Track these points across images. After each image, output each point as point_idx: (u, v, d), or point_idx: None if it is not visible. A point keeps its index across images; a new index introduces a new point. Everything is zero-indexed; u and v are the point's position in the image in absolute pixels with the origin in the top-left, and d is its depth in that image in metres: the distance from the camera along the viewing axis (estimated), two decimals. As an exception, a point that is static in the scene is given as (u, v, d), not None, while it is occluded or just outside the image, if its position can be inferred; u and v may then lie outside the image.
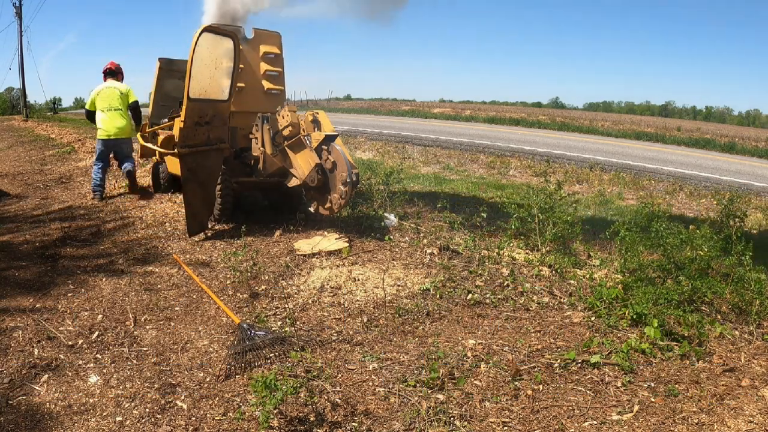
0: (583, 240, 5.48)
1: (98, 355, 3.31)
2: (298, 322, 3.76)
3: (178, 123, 5.39)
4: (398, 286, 4.38)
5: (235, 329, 3.52)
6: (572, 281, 4.48)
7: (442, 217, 6.46)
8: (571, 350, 3.29)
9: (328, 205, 5.54)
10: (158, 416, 2.73)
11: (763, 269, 4.12)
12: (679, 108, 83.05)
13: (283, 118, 5.49)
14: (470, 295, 4.14)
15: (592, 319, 3.76)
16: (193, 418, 2.71)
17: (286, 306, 4.02)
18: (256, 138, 5.93)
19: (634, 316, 3.60)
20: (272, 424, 2.57)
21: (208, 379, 3.06)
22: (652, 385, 2.99)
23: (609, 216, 7.94)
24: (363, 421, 2.66)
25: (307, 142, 5.45)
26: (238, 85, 6.02)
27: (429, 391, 2.88)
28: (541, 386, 2.95)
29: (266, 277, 4.54)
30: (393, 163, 10.97)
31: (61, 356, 3.29)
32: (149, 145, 7.76)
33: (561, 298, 4.17)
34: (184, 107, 5.18)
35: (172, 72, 7.81)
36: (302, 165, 5.50)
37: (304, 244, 5.29)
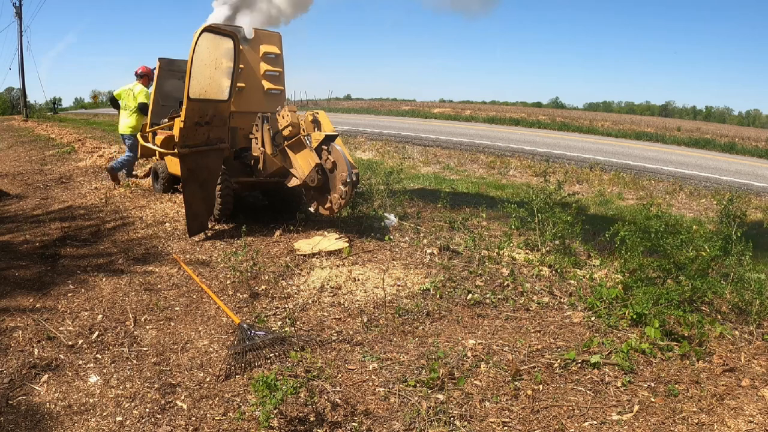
0: (583, 240, 5.48)
1: (98, 355, 3.31)
2: (298, 322, 3.76)
3: (178, 123, 5.39)
4: (398, 286, 4.38)
5: (235, 329, 3.52)
6: (572, 281, 4.48)
7: (442, 217, 6.46)
8: (571, 350, 3.29)
9: (328, 205, 5.55)
10: (158, 416, 2.73)
11: (763, 269, 4.12)
12: (679, 108, 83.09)
13: (283, 118, 5.50)
14: (470, 295, 4.14)
15: (592, 319, 3.77)
16: (193, 418, 2.71)
17: (286, 306, 4.02)
18: (256, 138, 5.93)
19: (634, 316, 3.60)
20: (272, 424, 2.57)
21: (208, 379, 3.06)
22: (652, 385, 2.99)
23: (609, 216, 7.94)
24: (363, 421, 2.66)
25: (307, 142, 5.44)
26: (239, 85, 6.02)
27: (429, 391, 2.88)
28: (541, 386, 2.95)
29: (266, 277, 4.54)
30: (393, 163, 10.98)
31: (61, 356, 3.29)
32: (149, 145, 7.77)
33: (561, 298, 4.17)
34: (184, 107, 5.19)
35: (172, 72, 7.82)
36: (302, 165, 5.50)
37: (304, 244, 5.29)
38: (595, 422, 2.67)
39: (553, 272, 4.68)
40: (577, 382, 3.01)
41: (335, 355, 3.32)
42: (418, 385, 2.94)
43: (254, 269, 4.63)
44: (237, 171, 6.30)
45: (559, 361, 3.19)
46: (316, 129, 5.58)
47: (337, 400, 2.83)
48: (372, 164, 10.75)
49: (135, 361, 3.25)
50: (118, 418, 2.71)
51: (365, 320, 3.76)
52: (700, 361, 3.23)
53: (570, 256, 4.98)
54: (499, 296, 4.16)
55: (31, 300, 4.10)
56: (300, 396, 2.75)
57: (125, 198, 7.66)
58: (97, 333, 3.58)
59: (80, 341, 3.47)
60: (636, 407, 2.77)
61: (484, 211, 6.54)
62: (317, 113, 5.70)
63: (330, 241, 5.37)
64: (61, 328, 3.64)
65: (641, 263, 4.06)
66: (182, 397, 2.89)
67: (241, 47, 5.69)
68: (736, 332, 3.64)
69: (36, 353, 3.31)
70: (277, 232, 5.80)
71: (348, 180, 5.17)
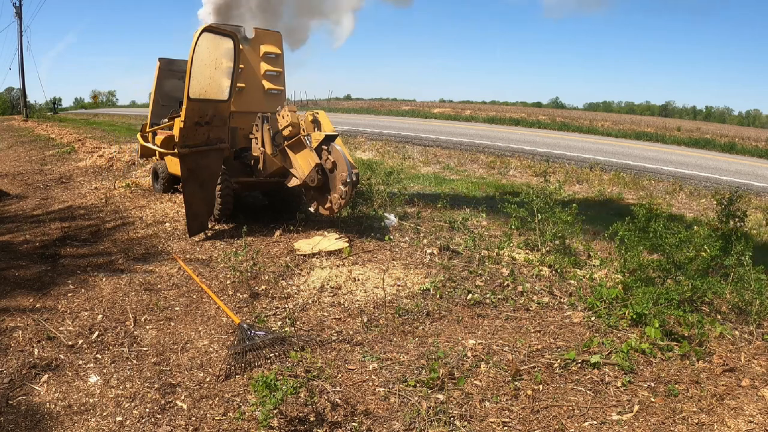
0: (583, 240, 5.48)
1: (98, 355, 3.31)
2: (298, 322, 3.76)
3: (178, 123, 5.39)
4: (398, 286, 4.38)
5: (235, 329, 3.52)
6: (572, 281, 4.48)
7: (442, 217, 6.46)
8: (571, 350, 3.29)
9: (328, 205, 5.54)
10: (158, 416, 2.73)
11: (763, 269, 4.12)
12: (679, 108, 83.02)
13: (283, 118, 5.49)
14: (470, 295, 4.14)
15: (592, 319, 3.76)
16: (193, 418, 2.71)
17: (286, 306, 4.02)
18: (256, 138, 5.93)
19: (634, 316, 3.60)
20: (272, 424, 2.57)
21: (208, 379, 3.06)
22: (652, 385, 2.99)
23: (609, 216, 7.93)
24: (363, 421, 2.66)
25: (307, 142, 5.44)
26: (239, 85, 6.02)
27: (429, 391, 2.88)
28: (541, 386, 2.95)
29: (266, 277, 4.54)
30: (393, 163, 10.98)
31: (61, 356, 3.29)
32: (149, 145, 7.78)
33: (561, 298, 4.17)
34: (184, 107, 5.19)
35: (172, 72, 7.83)
36: (302, 165, 5.50)
37: (304, 244, 5.29)
38: (595, 422, 2.67)
39: (553, 272, 4.68)
40: (577, 382, 3.01)
41: (335, 355, 3.32)
42: (418, 385, 2.94)
43: (254, 269, 4.63)
44: (237, 171, 6.30)
45: (559, 361, 3.19)
46: (316, 129, 5.58)
47: (337, 400, 2.83)
48: (372, 164, 10.74)
49: (135, 361, 3.25)
50: (118, 418, 2.71)
51: (365, 320, 3.76)
52: (700, 361, 3.23)
53: (570, 256, 4.98)
54: (499, 296, 4.16)
55: (31, 300, 4.10)
56: (300, 396, 2.74)
57: (125, 198, 7.66)
58: (97, 333, 3.58)
59: (80, 341, 3.47)
60: (636, 407, 2.77)
61: (484, 211, 6.54)
62: (317, 113, 5.70)
63: (330, 241, 5.37)
64: (61, 328, 3.64)
65: (641, 263, 4.06)
66: (182, 397, 2.89)
67: (241, 47, 5.69)
68: (736, 332, 3.64)
69: (36, 353, 3.31)
70: (277, 232, 5.80)
71: (348, 180, 5.17)
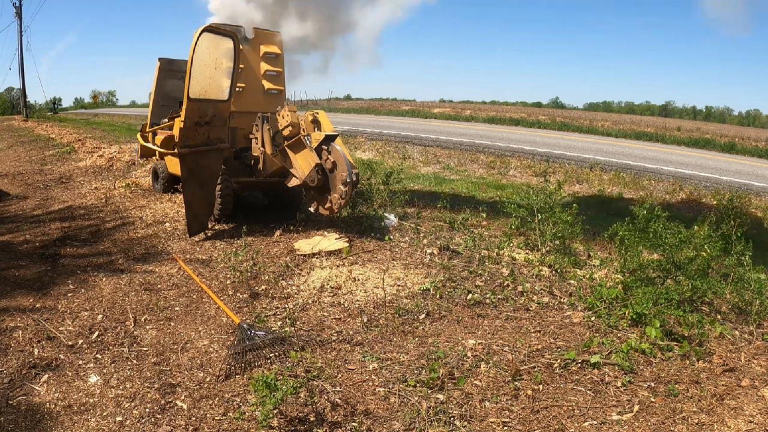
0: (583, 240, 5.47)
1: (98, 355, 3.31)
2: (298, 322, 3.76)
3: (178, 123, 5.39)
4: (398, 286, 4.38)
5: (235, 329, 3.52)
6: (572, 281, 4.48)
7: (442, 217, 6.46)
8: (571, 350, 3.29)
9: (328, 205, 5.54)
10: (158, 416, 2.73)
11: (763, 269, 4.12)
12: (679, 108, 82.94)
13: (283, 118, 5.49)
14: (470, 295, 4.14)
15: (592, 319, 3.76)
16: (193, 418, 2.71)
17: (286, 306, 4.02)
18: (256, 138, 5.93)
19: (634, 316, 3.60)
20: (272, 424, 2.57)
21: (208, 379, 3.06)
22: (652, 385, 2.99)
23: (609, 216, 7.93)
24: (363, 421, 2.66)
25: (307, 142, 5.45)
26: (239, 85, 6.02)
27: (429, 391, 2.88)
28: (541, 386, 2.95)
29: (266, 277, 4.54)
30: (393, 163, 10.97)
31: (61, 356, 3.29)
32: (149, 145, 7.78)
33: (561, 298, 4.17)
34: (184, 107, 5.19)
35: (172, 72, 7.83)
36: (302, 165, 5.50)
37: (304, 244, 5.29)
38: (595, 422, 2.67)
39: (553, 272, 4.68)
40: (577, 382, 3.01)
41: (335, 355, 3.32)
42: (418, 385, 2.94)
43: (254, 269, 4.63)
44: (237, 171, 6.30)
45: (559, 361, 3.19)
46: (316, 129, 5.58)
47: (337, 400, 2.83)
48: (372, 164, 10.73)
49: (135, 361, 3.25)
50: (118, 418, 2.71)
51: (365, 320, 3.76)
52: (700, 361, 3.23)
53: (570, 256, 4.98)
54: (499, 296, 4.16)
55: (31, 300, 4.10)
56: (300, 396, 2.74)
57: (125, 198, 7.66)
58: (97, 333, 3.58)
59: (80, 341, 3.47)
60: (636, 407, 2.77)
61: (484, 211, 6.54)
62: (317, 113, 5.70)
63: (330, 241, 5.37)
64: (61, 328, 3.64)
65: (641, 263, 4.06)
66: (182, 397, 2.89)
67: (241, 47, 5.69)
68: (736, 332, 3.64)
69: (36, 353, 3.31)
70: (277, 232, 5.80)
71: (348, 180, 5.17)
